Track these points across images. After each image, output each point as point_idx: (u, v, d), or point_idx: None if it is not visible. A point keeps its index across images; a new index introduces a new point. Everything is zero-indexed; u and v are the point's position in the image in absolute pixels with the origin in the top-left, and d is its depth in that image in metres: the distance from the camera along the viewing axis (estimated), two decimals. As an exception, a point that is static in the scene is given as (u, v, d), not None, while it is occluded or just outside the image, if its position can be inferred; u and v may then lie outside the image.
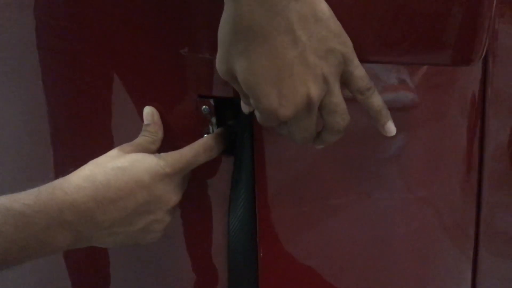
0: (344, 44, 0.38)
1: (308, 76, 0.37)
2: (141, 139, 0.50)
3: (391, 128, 0.43)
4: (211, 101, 0.49)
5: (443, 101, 0.53)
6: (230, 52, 0.36)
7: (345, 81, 0.40)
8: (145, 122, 0.51)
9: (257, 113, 0.41)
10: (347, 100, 0.41)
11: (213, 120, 0.50)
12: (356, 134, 0.50)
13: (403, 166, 0.54)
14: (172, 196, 0.47)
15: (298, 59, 0.36)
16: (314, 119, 0.40)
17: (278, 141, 0.50)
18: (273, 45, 0.35)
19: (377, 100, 0.42)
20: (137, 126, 0.52)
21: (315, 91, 0.38)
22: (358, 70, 0.40)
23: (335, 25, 0.37)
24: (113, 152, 0.47)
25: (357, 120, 0.45)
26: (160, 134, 0.51)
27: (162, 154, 0.49)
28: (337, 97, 0.40)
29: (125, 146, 0.49)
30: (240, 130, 0.50)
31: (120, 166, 0.45)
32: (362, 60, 0.40)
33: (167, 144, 0.52)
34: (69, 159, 0.62)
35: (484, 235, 0.60)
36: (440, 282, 0.59)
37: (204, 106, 0.49)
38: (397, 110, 0.47)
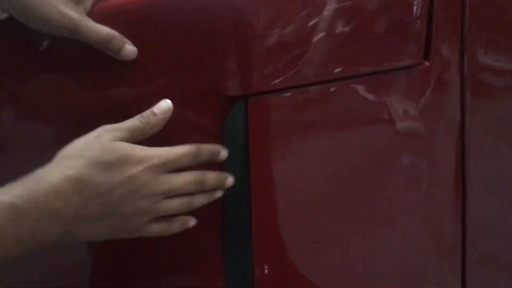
0: None
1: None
2: (132, 123, 0.48)
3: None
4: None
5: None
6: None
7: None
8: (154, 109, 0.49)
9: None
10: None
11: None
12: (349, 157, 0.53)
13: (389, 191, 0.57)
14: (158, 187, 0.46)
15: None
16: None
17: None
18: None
19: None
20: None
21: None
22: None
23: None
24: (100, 139, 0.46)
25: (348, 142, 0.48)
26: (154, 128, 0.48)
27: (152, 148, 0.47)
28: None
29: (116, 129, 0.47)
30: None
31: (105, 161, 0.44)
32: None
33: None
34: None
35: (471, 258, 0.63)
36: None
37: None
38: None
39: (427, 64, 0.55)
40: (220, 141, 0.50)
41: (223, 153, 0.50)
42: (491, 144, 0.63)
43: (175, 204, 0.48)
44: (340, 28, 0.52)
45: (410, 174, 0.59)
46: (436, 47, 0.54)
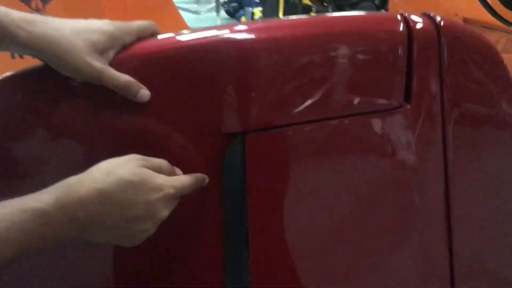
0: None
1: None
2: (158, 160, 0.56)
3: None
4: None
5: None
6: None
7: None
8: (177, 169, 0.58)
9: None
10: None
11: None
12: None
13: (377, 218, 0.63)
14: (164, 213, 0.54)
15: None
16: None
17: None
18: None
19: None
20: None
21: None
22: None
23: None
24: (130, 163, 0.53)
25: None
26: (172, 174, 0.56)
27: (169, 177, 0.55)
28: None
29: (145, 159, 0.55)
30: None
31: (131, 180, 0.51)
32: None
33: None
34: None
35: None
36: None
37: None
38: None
39: (409, 106, 0.61)
40: (220, 172, 0.58)
41: (207, 180, 0.58)
42: (474, 177, 0.68)
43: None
44: (329, 74, 0.59)
45: (397, 209, 0.65)
46: (416, 90, 0.60)
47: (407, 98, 0.61)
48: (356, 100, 0.60)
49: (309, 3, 2.92)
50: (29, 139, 0.62)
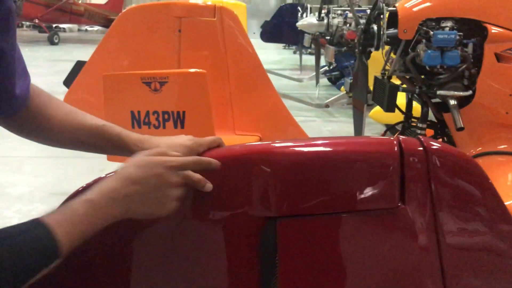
0: None
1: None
2: (186, 158, 0.81)
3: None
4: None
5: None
6: None
7: None
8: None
9: None
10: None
11: None
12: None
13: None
14: (175, 179, 0.77)
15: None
16: None
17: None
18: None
19: None
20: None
21: None
22: None
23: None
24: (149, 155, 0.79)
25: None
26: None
27: (170, 157, 0.79)
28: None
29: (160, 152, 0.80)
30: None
31: (139, 163, 0.77)
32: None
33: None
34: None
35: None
36: None
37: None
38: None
39: (403, 206, 0.79)
40: (256, 250, 0.80)
41: (208, 185, 0.80)
42: (467, 270, 0.82)
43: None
44: (341, 182, 0.80)
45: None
46: (408, 195, 0.78)
47: (403, 200, 0.79)
48: (362, 201, 0.79)
49: (397, 81, 3.06)
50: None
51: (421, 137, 0.80)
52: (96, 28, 16.48)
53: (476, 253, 0.82)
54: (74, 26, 17.70)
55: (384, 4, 2.90)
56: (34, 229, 0.66)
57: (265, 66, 3.02)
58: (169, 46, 2.62)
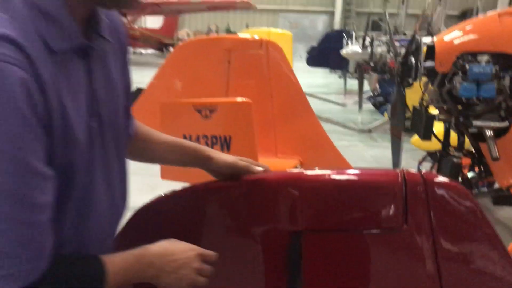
0: None
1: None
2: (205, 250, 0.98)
3: None
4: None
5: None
6: None
7: None
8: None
9: None
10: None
11: None
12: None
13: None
14: (196, 264, 0.94)
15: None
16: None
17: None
18: None
19: None
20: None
21: None
22: None
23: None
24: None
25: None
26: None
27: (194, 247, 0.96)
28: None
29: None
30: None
31: (175, 243, 0.95)
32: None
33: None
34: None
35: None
36: None
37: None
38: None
39: (406, 227, 0.96)
40: (283, 262, 1.00)
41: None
42: (461, 280, 0.98)
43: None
44: (354, 209, 0.98)
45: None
46: (411, 217, 0.95)
47: (406, 222, 0.96)
48: (373, 220, 0.97)
49: (435, 111, 3.14)
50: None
51: (422, 170, 0.97)
52: (150, 51, 17.29)
53: (467, 266, 0.98)
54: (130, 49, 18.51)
55: (421, 38, 3.03)
56: (91, 258, 0.86)
57: (311, 90, 3.19)
58: (219, 75, 2.88)
